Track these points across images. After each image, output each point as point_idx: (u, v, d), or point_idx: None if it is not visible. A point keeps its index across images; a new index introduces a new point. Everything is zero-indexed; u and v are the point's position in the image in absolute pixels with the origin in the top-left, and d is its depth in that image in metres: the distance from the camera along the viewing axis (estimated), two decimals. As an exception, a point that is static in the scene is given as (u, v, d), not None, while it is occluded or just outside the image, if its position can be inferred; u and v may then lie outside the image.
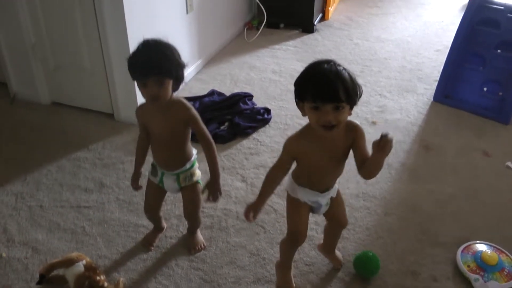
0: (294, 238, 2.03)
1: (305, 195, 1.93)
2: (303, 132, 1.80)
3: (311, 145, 1.78)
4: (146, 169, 2.25)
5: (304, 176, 1.91)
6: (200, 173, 2.20)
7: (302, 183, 1.92)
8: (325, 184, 1.93)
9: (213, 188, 2.10)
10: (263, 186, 1.92)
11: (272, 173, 1.90)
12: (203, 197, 2.17)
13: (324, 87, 1.60)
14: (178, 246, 2.38)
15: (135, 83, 1.90)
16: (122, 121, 3.30)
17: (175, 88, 1.95)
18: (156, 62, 1.83)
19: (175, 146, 2.08)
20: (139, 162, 2.22)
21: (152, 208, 2.30)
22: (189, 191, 2.18)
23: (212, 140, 2.07)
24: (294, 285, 2.16)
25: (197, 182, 2.18)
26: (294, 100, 1.73)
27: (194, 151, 2.16)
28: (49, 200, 2.65)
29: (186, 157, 2.12)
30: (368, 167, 1.75)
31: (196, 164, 2.18)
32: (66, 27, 3.14)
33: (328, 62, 1.65)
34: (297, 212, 1.98)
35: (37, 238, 2.41)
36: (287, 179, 1.97)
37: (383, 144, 1.59)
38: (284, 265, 2.17)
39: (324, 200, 1.96)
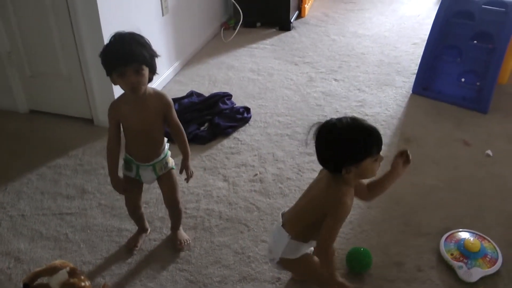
0: None
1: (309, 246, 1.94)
2: (349, 184, 1.79)
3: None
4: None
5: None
6: (173, 160, 2.25)
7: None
8: None
9: (186, 166, 2.20)
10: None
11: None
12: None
13: (380, 136, 1.72)
14: (162, 248, 2.37)
15: (110, 79, 1.93)
16: (102, 126, 3.26)
17: (150, 78, 1.97)
18: (134, 50, 1.87)
19: (153, 139, 2.13)
20: (114, 168, 2.16)
21: (133, 204, 2.30)
22: (166, 178, 2.23)
23: (181, 126, 2.17)
24: None
25: (172, 168, 2.24)
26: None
27: (165, 140, 2.20)
28: (31, 208, 2.62)
29: (162, 148, 2.17)
30: (385, 187, 1.92)
31: (169, 152, 2.23)
32: (41, 34, 3.11)
33: (347, 117, 1.72)
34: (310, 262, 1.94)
35: (19, 248, 2.38)
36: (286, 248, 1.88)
37: (407, 157, 1.85)
38: None
39: None
